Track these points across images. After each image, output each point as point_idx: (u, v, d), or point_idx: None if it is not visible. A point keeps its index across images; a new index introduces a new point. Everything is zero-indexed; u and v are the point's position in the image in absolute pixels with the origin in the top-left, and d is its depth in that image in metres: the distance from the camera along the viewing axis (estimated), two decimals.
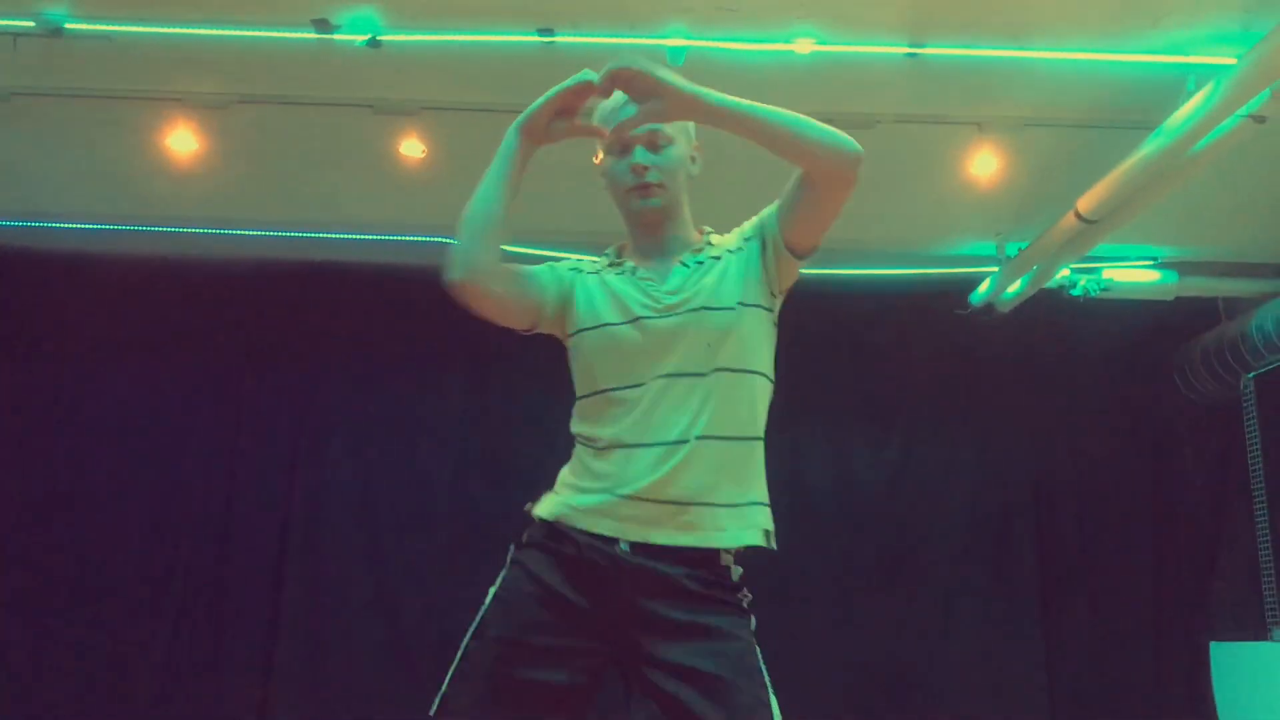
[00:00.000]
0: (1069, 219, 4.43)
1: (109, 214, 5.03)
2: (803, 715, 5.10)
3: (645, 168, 2.06)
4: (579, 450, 2.05)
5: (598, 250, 2.21)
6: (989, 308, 5.45)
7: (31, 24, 3.50)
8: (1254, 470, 5.49)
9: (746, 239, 2.12)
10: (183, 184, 4.57)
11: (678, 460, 1.95)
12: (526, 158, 2.02)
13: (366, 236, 5.12)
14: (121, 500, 5.41)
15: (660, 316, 2.02)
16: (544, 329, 2.14)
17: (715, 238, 2.16)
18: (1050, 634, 5.59)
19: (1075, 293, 5.38)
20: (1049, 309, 5.47)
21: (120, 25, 3.55)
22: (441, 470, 5.60)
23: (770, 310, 2.13)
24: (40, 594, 5.27)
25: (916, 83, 4.00)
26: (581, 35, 3.62)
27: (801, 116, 1.93)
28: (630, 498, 1.94)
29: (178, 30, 3.59)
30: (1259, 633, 5.32)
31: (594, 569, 1.93)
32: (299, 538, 5.45)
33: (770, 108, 1.93)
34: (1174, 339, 5.73)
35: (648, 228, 2.13)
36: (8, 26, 3.53)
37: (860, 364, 5.73)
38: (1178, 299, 5.47)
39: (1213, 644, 5.57)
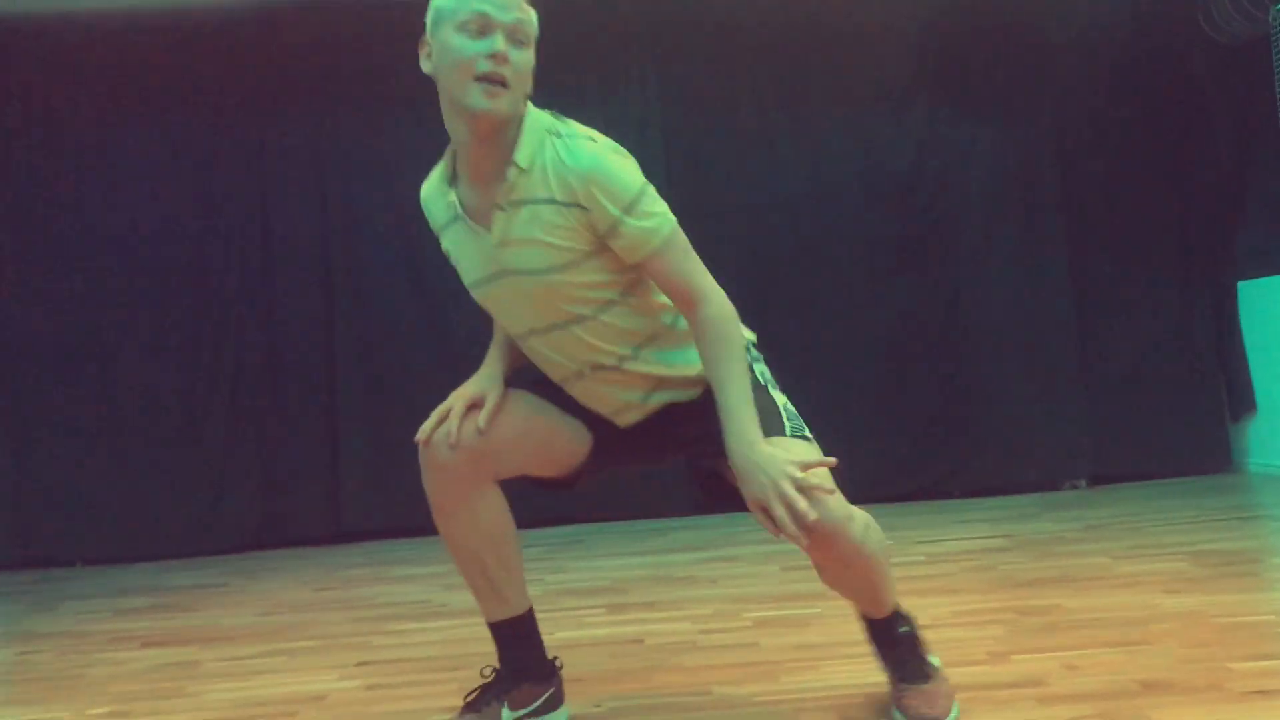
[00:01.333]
0: None
1: None
2: (842, 386, 5.36)
3: (504, 58, 1.83)
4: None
5: None
6: None
7: None
8: None
9: (571, 204, 1.90)
10: None
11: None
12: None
13: None
14: (159, 251, 5.53)
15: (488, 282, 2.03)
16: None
17: (529, 167, 1.92)
18: (1078, 286, 5.70)
19: None
20: None
21: None
22: None
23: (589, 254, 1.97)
24: (95, 370, 5.47)
25: None
26: None
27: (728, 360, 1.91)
28: None
29: None
30: None
31: None
32: (341, 261, 5.59)
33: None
34: None
35: (481, 136, 1.90)
36: None
37: (872, 44, 5.65)
38: None
39: (1240, 282, 5.70)
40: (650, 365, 2.07)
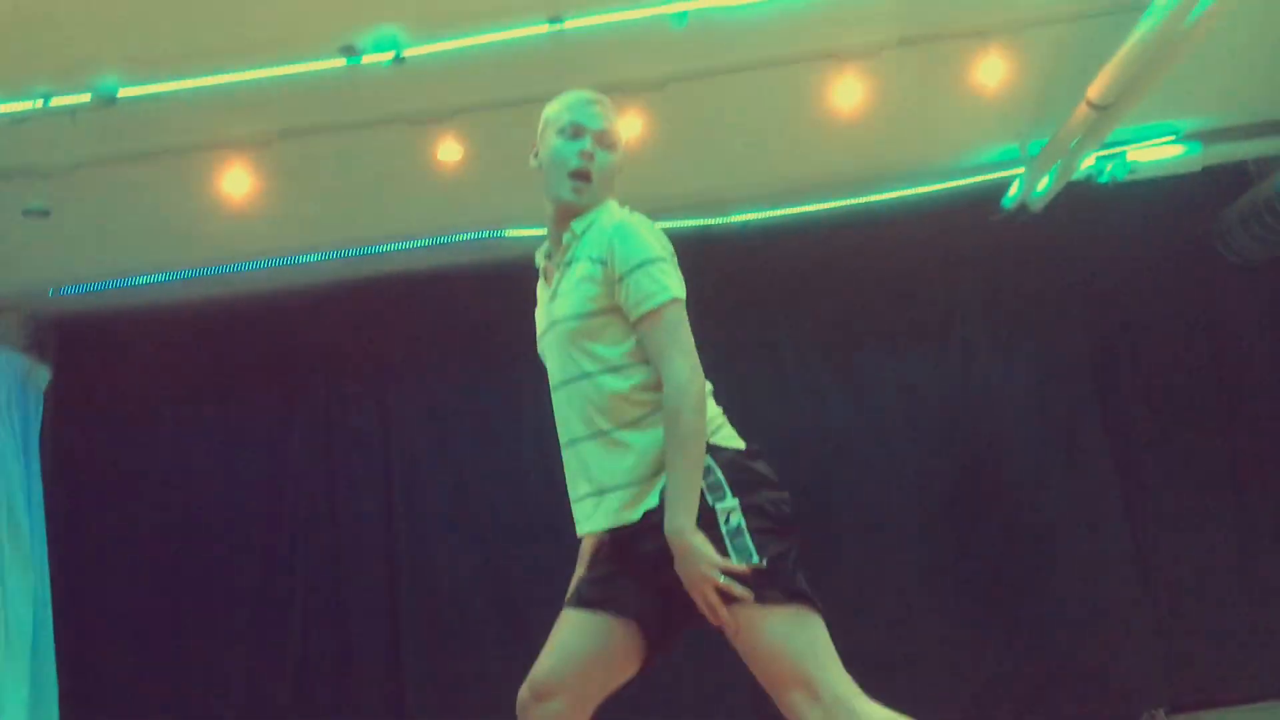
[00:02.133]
0: (1082, 109, 4.56)
1: (175, 263, 5.33)
2: (901, 626, 5.30)
3: (592, 156, 2.29)
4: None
5: None
6: (1022, 209, 5.58)
7: (88, 97, 3.77)
8: None
9: (600, 262, 2.26)
10: (240, 223, 4.85)
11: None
12: None
13: (420, 243, 5.36)
14: (234, 530, 5.73)
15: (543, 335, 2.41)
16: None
17: (579, 227, 2.34)
18: (1136, 521, 5.69)
19: (1103, 180, 5.51)
20: (1081, 201, 5.59)
21: (167, 83, 3.81)
22: (526, 459, 5.81)
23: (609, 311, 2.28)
24: (175, 626, 5.60)
25: (913, 4, 4.17)
26: (588, 16, 3.83)
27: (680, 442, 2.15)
28: None
29: (219, 79, 3.85)
30: None
31: None
32: (406, 548, 5.73)
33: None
34: (1210, 208, 5.81)
35: (561, 219, 2.35)
36: (66, 104, 3.79)
37: (909, 285, 5.88)
38: (1205, 169, 5.56)
39: None
40: (609, 455, 2.20)
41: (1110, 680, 5.43)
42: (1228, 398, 5.84)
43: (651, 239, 2.23)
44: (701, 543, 2.06)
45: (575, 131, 2.28)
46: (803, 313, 5.81)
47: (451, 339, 5.91)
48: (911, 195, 5.54)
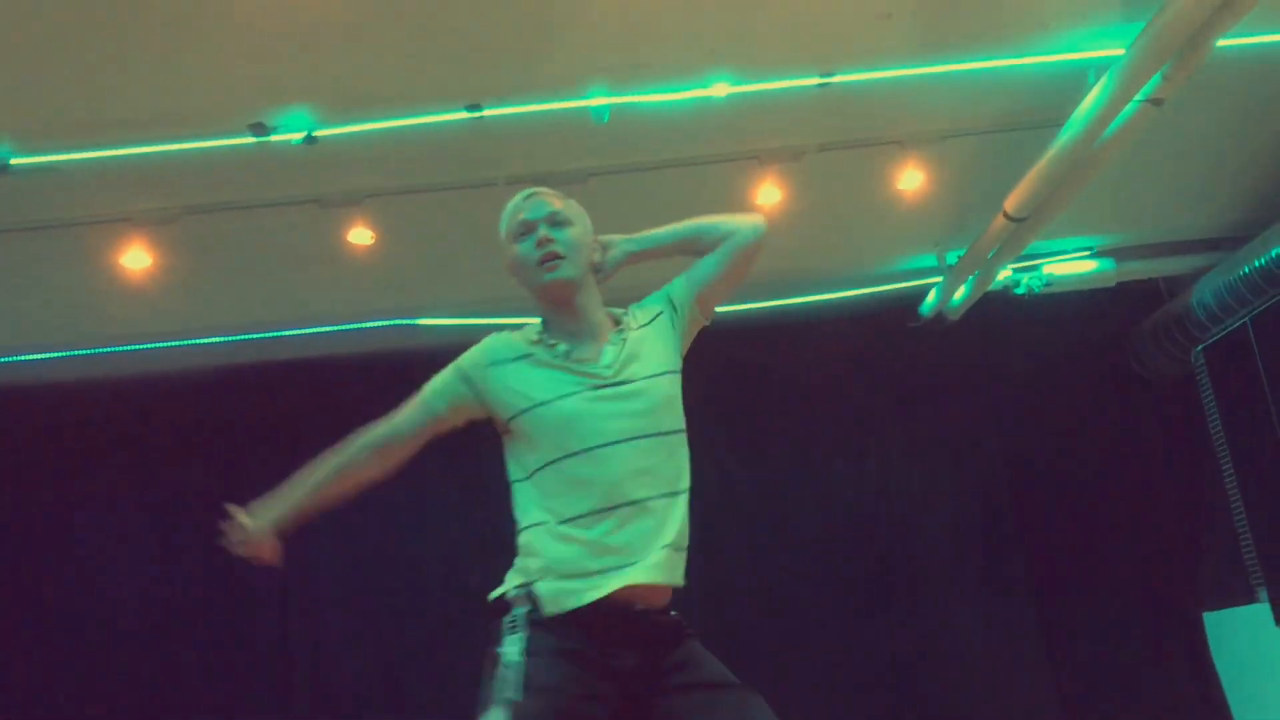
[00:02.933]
0: (999, 221, 4.59)
1: (70, 340, 5.12)
2: None
3: (550, 239, 2.27)
4: (560, 529, 2.15)
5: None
6: (939, 317, 5.60)
7: None
8: (1217, 439, 5.63)
9: (657, 314, 2.37)
10: (141, 301, 4.68)
11: (674, 511, 2.19)
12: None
13: (328, 329, 5.21)
14: (119, 613, 5.47)
15: (609, 386, 2.21)
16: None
17: (624, 315, 2.38)
18: (1049, 629, 5.67)
19: (1019, 291, 5.55)
20: (998, 310, 5.62)
21: (65, 154, 3.67)
22: (431, 549, 5.66)
23: (680, 373, 2.36)
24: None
25: (833, 111, 4.17)
26: (508, 106, 3.77)
27: (707, 219, 2.36)
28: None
29: (120, 152, 3.71)
30: (1247, 596, 5.43)
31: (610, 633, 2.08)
32: (300, 630, 5.51)
33: (685, 224, 2.36)
34: (1122, 323, 5.89)
35: (560, 303, 2.30)
36: None
37: (826, 389, 5.85)
38: (1119, 284, 5.64)
39: (1205, 614, 5.69)
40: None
41: None
42: (1135, 498, 5.86)
43: None
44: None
45: (525, 229, 2.30)
46: (717, 414, 5.74)
47: (357, 426, 5.72)
48: (830, 300, 5.52)
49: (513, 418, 2.22)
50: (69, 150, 3.69)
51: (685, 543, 2.21)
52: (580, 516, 2.12)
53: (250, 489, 5.53)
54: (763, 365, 5.74)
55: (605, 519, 2.12)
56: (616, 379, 2.22)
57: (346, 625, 5.55)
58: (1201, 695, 5.62)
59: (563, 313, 2.31)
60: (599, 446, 2.15)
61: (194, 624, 5.51)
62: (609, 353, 2.25)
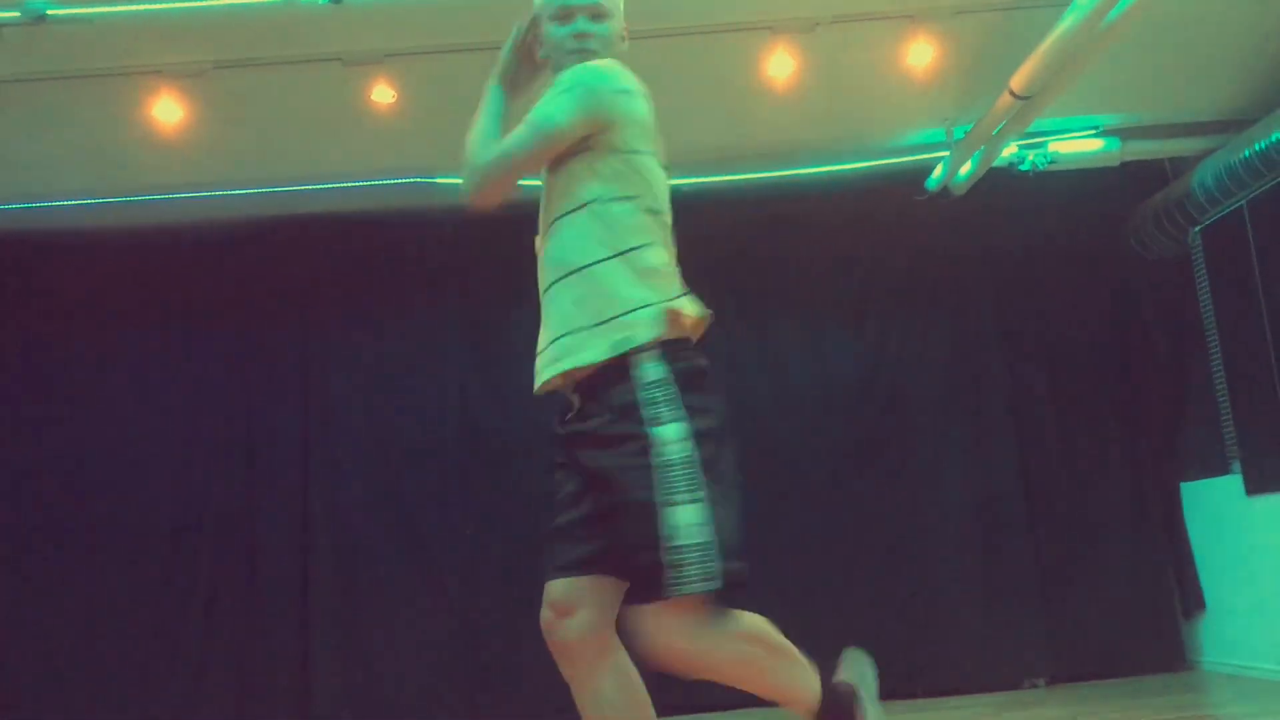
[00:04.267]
0: (1005, 98, 4.70)
1: (102, 189, 5.28)
2: (804, 589, 5.49)
3: (588, 34, 2.37)
4: None
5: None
6: (945, 191, 5.73)
7: (17, 14, 3.73)
8: (1206, 318, 5.81)
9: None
10: (169, 153, 4.83)
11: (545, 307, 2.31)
12: (508, 104, 2.38)
13: (349, 184, 5.37)
14: (146, 455, 5.75)
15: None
16: None
17: None
18: (1032, 493, 5.94)
19: (1024, 168, 5.66)
20: (1002, 186, 5.74)
21: (100, 7, 3.78)
22: (445, 401, 5.92)
23: (587, 149, 2.28)
24: (77, 564, 5.62)
25: None
26: None
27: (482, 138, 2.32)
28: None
29: (154, 7, 3.83)
30: (1222, 468, 5.68)
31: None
32: (319, 474, 5.81)
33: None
34: (1124, 201, 6.00)
35: None
36: None
37: (829, 259, 6.02)
38: (1124, 164, 5.75)
39: (1182, 484, 5.96)
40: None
41: (995, 652, 5.66)
42: (1124, 373, 6.10)
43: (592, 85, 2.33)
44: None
45: (564, 14, 2.37)
46: (722, 281, 5.90)
47: (376, 281, 5.95)
48: (838, 171, 5.65)
49: None
50: (105, 2, 3.80)
51: (577, 325, 2.20)
52: None
53: (267, 340, 5.84)
54: (767, 234, 5.89)
55: None
56: None
57: (362, 473, 5.83)
58: (1173, 559, 5.93)
59: None
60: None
61: (215, 474, 5.80)
62: None
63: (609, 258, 2.20)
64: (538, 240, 2.36)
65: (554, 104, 2.23)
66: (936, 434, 5.95)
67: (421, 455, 5.82)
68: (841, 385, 5.97)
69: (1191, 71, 5.27)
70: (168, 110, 4.55)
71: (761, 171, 5.41)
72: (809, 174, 5.61)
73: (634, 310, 2.16)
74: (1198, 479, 5.87)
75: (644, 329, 2.15)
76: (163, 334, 5.89)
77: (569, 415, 2.25)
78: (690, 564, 2.01)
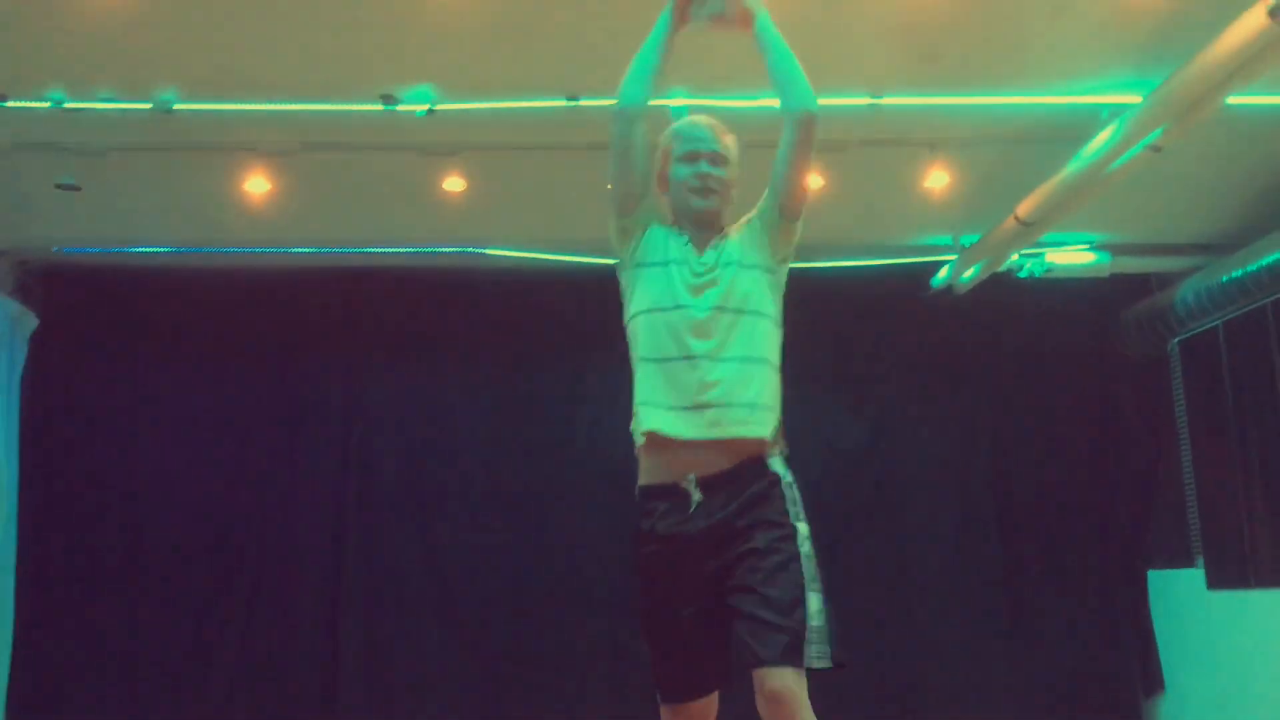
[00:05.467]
0: (1010, 222, 5.22)
1: (177, 238, 5.83)
2: None
3: (709, 176, 2.67)
4: None
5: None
6: (949, 290, 6.25)
7: (149, 105, 4.22)
8: (1179, 420, 6.35)
9: (748, 222, 2.71)
10: (260, 216, 5.33)
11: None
12: (674, 31, 2.69)
13: (408, 250, 5.90)
14: (192, 490, 6.26)
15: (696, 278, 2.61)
16: (629, 217, 2.67)
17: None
18: (1010, 567, 6.46)
19: (1022, 274, 6.20)
20: (1001, 289, 6.27)
21: (221, 104, 4.28)
22: (477, 452, 6.43)
23: (770, 270, 2.67)
24: (117, 585, 6.11)
25: (877, 119, 4.77)
26: (602, 99, 4.36)
27: (794, 62, 2.64)
28: None
29: (263, 107, 4.33)
30: (1186, 560, 6.20)
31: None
32: (355, 518, 6.32)
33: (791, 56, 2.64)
34: (1112, 309, 6.54)
35: (700, 224, 2.67)
36: (130, 108, 4.25)
37: (842, 345, 6.54)
38: (1112, 275, 6.28)
39: (1150, 572, 6.48)
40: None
41: (972, 712, 6.16)
42: (1102, 464, 6.63)
43: None
44: None
45: (692, 156, 2.63)
46: None
47: (426, 339, 6.46)
48: (854, 266, 6.18)
49: None
50: (226, 100, 4.30)
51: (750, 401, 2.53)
52: None
53: (317, 378, 6.31)
54: (790, 318, 6.38)
55: None
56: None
57: (398, 522, 6.34)
58: (1137, 641, 6.44)
59: (695, 228, 2.67)
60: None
61: (255, 508, 6.31)
62: (709, 255, 2.63)
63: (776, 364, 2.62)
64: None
65: None
66: (923, 513, 6.47)
67: (455, 508, 6.35)
68: (843, 462, 6.47)
69: (1179, 198, 5.79)
70: (257, 184, 5.04)
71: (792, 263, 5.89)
72: (827, 267, 6.12)
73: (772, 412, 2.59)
74: (1164, 569, 6.38)
75: (777, 435, 2.57)
76: (218, 372, 6.37)
77: (687, 512, 2.48)
78: (816, 643, 2.35)
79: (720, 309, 2.56)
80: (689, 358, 2.53)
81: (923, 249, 6.18)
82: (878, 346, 6.60)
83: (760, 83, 4.45)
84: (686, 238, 2.66)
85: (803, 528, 2.46)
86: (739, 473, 2.49)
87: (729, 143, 2.73)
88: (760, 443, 2.52)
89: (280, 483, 6.31)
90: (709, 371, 2.52)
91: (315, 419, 6.38)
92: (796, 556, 2.40)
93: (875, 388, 6.62)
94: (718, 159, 2.69)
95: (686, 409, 2.50)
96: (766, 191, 2.68)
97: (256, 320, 6.32)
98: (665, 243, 2.67)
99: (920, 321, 6.47)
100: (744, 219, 2.71)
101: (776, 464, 2.54)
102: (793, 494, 2.51)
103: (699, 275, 2.60)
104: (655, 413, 2.52)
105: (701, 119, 2.75)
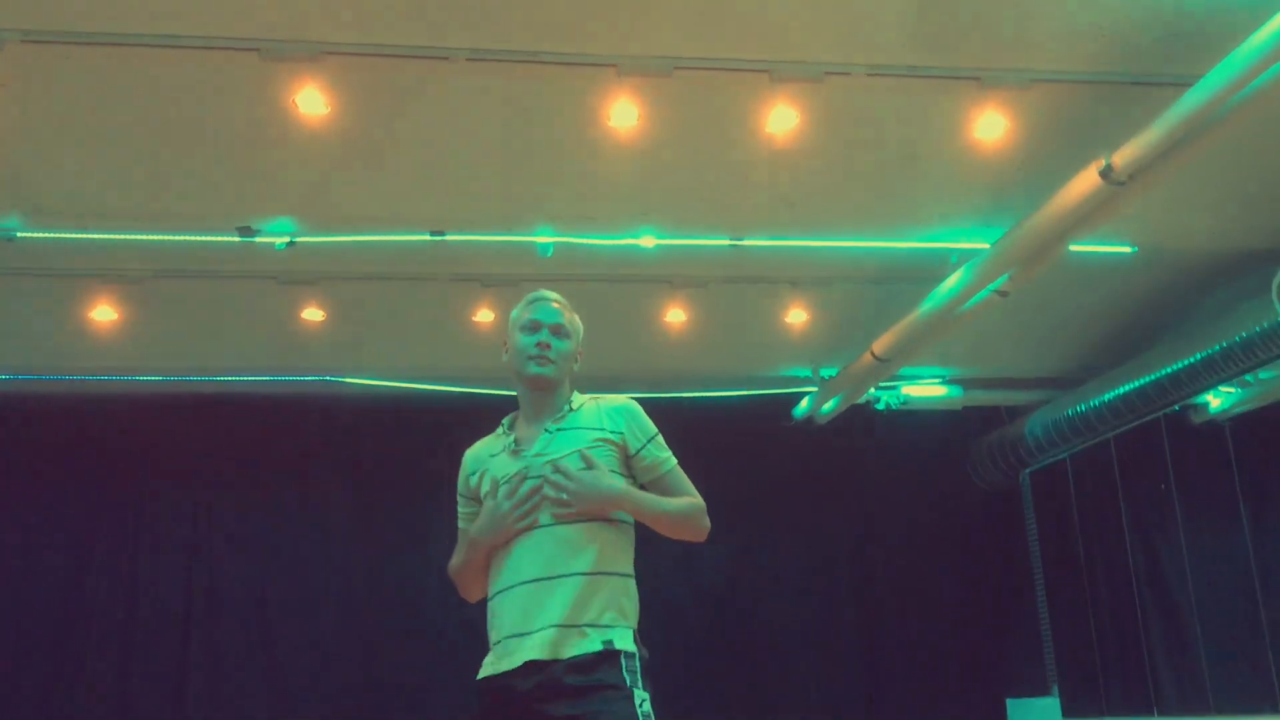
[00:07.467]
0: (867, 357, 5.36)
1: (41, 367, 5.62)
2: None
3: (549, 345, 2.66)
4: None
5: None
6: (809, 421, 6.36)
7: None
8: (1033, 550, 6.52)
9: (606, 438, 2.64)
10: (107, 344, 5.13)
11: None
12: (485, 559, 2.61)
13: (260, 379, 5.74)
14: (29, 616, 5.93)
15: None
16: None
17: (578, 401, 2.73)
18: (875, 694, 6.48)
19: (879, 406, 6.36)
20: (859, 419, 6.43)
21: (67, 234, 4.14)
22: (324, 571, 6.22)
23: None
24: None
25: (740, 259, 4.87)
26: (467, 235, 4.37)
27: (683, 516, 2.64)
28: None
29: (113, 237, 4.20)
30: (1043, 689, 6.31)
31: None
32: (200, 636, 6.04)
33: (670, 511, 2.62)
34: (965, 440, 6.74)
35: (533, 390, 2.68)
36: None
37: (703, 474, 6.51)
38: (965, 408, 6.49)
39: (1009, 700, 6.56)
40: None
41: None
42: (960, 592, 6.73)
43: (648, 419, 2.72)
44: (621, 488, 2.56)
45: (534, 326, 2.65)
46: None
47: (273, 466, 6.26)
48: (715, 397, 6.24)
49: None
50: (71, 230, 4.16)
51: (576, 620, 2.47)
52: None
53: (163, 502, 6.04)
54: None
55: None
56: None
57: (242, 647, 6.03)
58: None
59: (533, 401, 2.69)
60: None
61: (94, 632, 5.97)
62: (546, 441, 2.63)
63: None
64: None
65: (663, 449, 2.67)
66: (785, 641, 6.47)
67: (302, 637, 6.11)
68: (707, 590, 6.44)
69: (1026, 337, 6.04)
70: (104, 312, 4.86)
71: (648, 393, 5.92)
72: (690, 397, 6.17)
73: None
74: (1021, 697, 6.47)
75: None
76: (76, 490, 6.10)
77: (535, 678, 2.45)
78: None
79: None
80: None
81: (784, 380, 6.29)
82: (741, 476, 6.62)
83: (624, 224, 4.61)
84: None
85: (641, 694, 2.44)
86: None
87: (570, 320, 2.75)
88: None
89: (119, 610, 6.00)
90: None
91: (158, 544, 6.10)
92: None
93: (738, 516, 6.61)
94: (560, 331, 2.71)
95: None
96: (639, 456, 2.66)
97: (104, 446, 6.06)
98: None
99: (783, 452, 6.54)
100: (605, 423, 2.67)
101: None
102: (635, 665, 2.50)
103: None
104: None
105: (548, 294, 2.76)
